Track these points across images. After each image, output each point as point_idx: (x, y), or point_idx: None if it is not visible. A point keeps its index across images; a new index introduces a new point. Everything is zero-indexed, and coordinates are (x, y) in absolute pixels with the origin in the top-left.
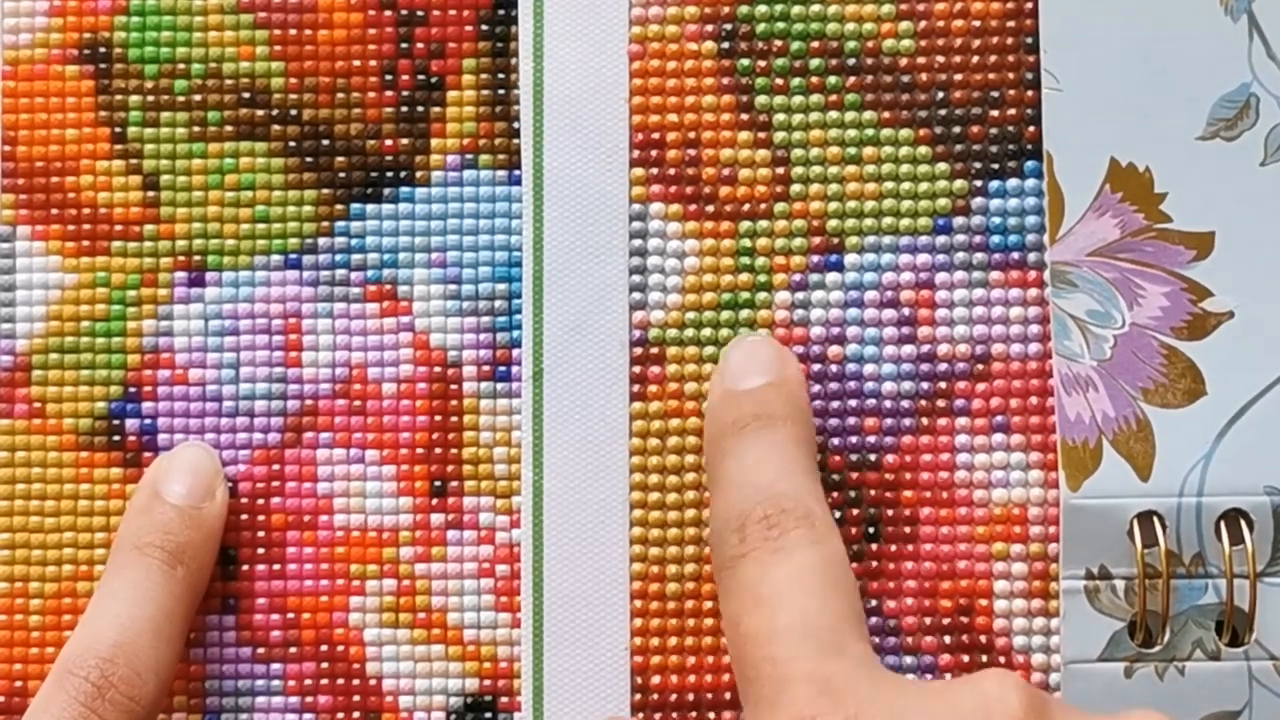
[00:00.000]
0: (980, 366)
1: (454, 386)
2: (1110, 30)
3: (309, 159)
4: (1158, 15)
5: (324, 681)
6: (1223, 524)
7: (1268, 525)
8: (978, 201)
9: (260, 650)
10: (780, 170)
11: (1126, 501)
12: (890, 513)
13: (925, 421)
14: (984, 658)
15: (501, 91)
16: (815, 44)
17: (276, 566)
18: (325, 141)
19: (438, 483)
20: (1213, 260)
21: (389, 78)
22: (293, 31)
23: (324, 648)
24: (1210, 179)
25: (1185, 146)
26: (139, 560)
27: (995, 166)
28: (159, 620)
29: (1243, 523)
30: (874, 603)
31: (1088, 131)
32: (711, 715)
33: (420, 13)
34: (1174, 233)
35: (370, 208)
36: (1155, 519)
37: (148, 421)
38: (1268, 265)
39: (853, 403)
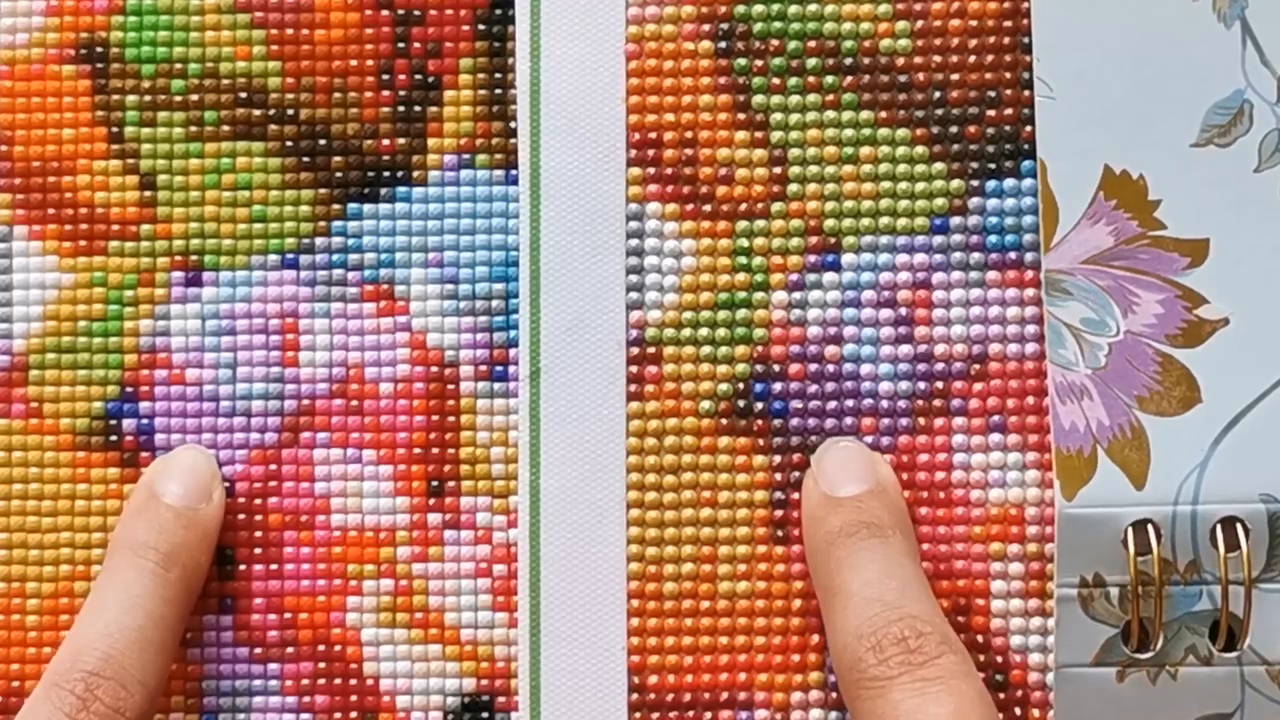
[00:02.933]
0: (977, 366)
1: (451, 386)
2: (1103, 37)
3: (306, 159)
4: (1150, 22)
5: (321, 681)
6: (1219, 529)
7: (1263, 532)
8: (975, 201)
9: (258, 650)
10: (777, 170)
11: (1121, 510)
12: None
13: (922, 421)
14: (981, 657)
15: (499, 91)
16: (812, 43)
17: (274, 566)
18: (322, 141)
19: (435, 482)
20: (1207, 267)
21: (386, 77)
22: (290, 31)
23: (321, 647)
24: (1204, 186)
25: (1179, 153)
26: (132, 562)
27: (992, 166)
28: (148, 629)
29: (1239, 528)
30: None
31: (1081, 139)
32: (709, 715)
33: (417, 12)
34: (1168, 240)
35: (367, 207)
36: (1150, 526)
37: (145, 421)
38: (1262, 272)
39: (850, 403)
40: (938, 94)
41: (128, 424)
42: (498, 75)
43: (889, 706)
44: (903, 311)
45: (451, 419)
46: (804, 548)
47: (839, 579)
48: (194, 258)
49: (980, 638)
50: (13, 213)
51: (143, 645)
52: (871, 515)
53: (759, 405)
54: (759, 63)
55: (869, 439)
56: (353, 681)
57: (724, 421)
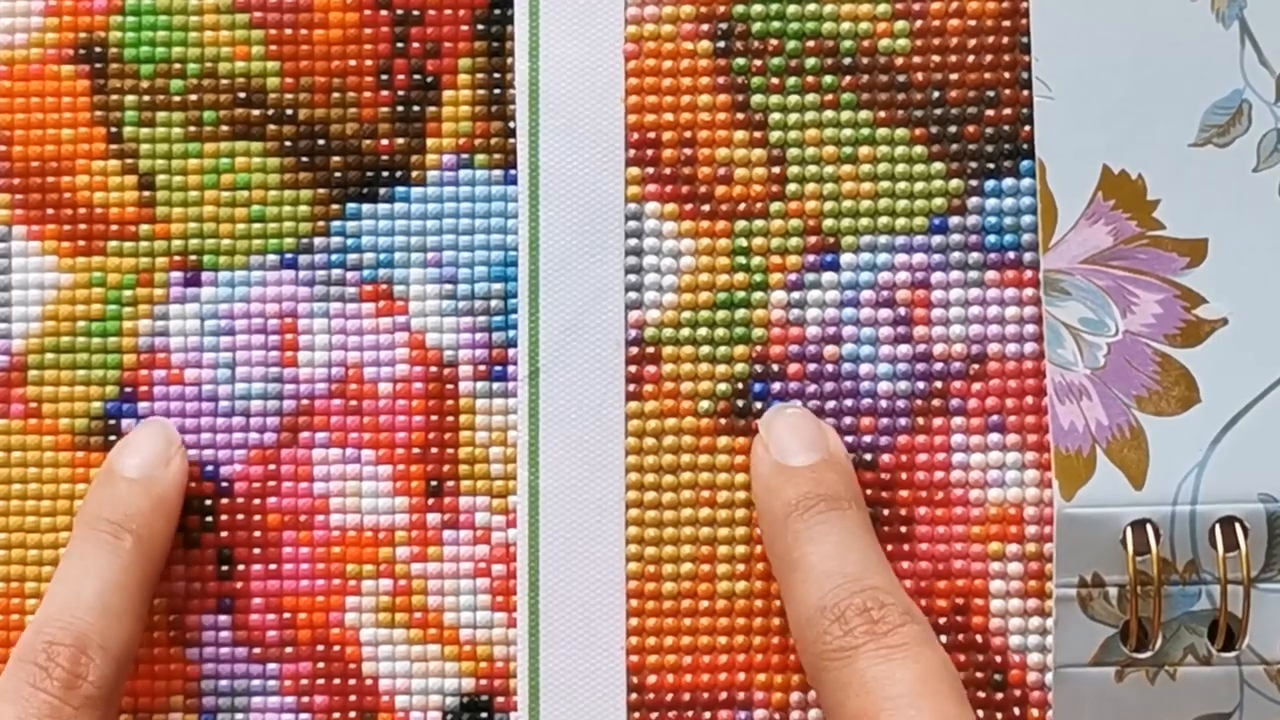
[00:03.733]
0: (976, 366)
1: (450, 386)
2: (1102, 37)
3: (305, 159)
4: (1149, 22)
5: (320, 681)
6: (1217, 529)
7: (1261, 532)
8: (974, 201)
9: (256, 650)
10: (776, 169)
11: (1120, 510)
12: (886, 512)
13: (921, 421)
14: (980, 657)
15: (497, 91)
16: (811, 43)
17: (273, 566)
18: (321, 141)
19: (434, 482)
20: (1206, 267)
21: (385, 77)
22: (288, 31)
23: (320, 647)
24: (1203, 186)
25: (1178, 153)
26: (87, 536)
27: (991, 166)
28: (106, 594)
29: (1238, 528)
30: None
31: (1080, 139)
32: (708, 715)
33: (416, 12)
34: (1167, 240)
35: (366, 207)
36: (1148, 526)
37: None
38: (1261, 271)
39: (849, 402)
40: (936, 94)
41: (127, 424)
42: (496, 75)
43: (855, 675)
44: (902, 311)
45: (450, 419)
46: (758, 516)
47: (797, 552)
48: (193, 258)
49: (979, 638)
50: (12, 212)
51: (101, 611)
52: (828, 488)
53: (758, 405)
54: (758, 62)
55: (867, 438)
56: (352, 681)
57: (723, 421)
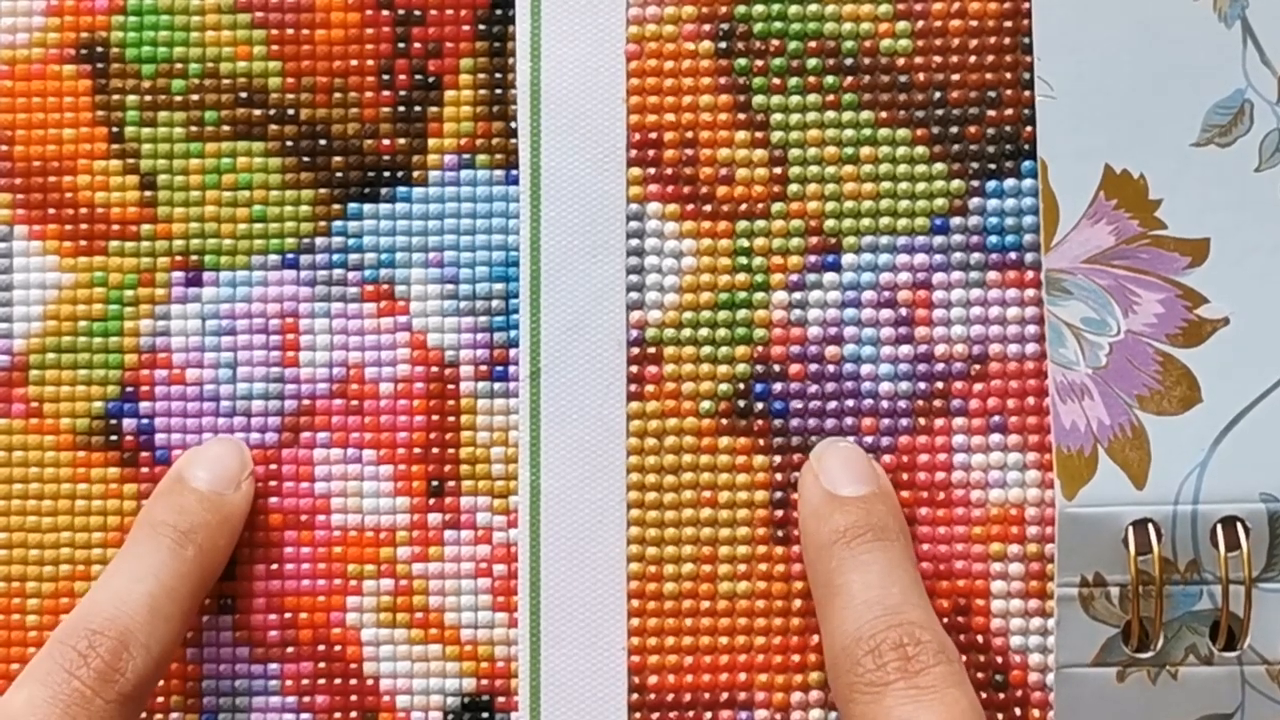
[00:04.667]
0: (977, 367)
1: (451, 386)
2: (1103, 37)
3: (306, 159)
4: (1151, 21)
5: (321, 681)
6: (1219, 529)
7: (1263, 531)
8: (975, 202)
9: (258, 650)
10: (778, 170)
11: (1122, 510)
12: None
13: (923, 422)
14: (981, 658)
15: (499, 91)
16: (813, 44)
17: (274, 566)
18: (323, 141)
19: (435, 482)
20: (1208, 267)
21: (386, 77)
22: (290, 31)
23: (321, 647)
24: (1205, 185)
25: (1180, 153)
26: (150, 537)
27: (992, 166)
28: (159, 597)
29: (1239, 528)
30: None
31: (1082, 138)
32: (709, 715)
33: (418, 12)
34: (1169, 239)
35: (368, 207)
36: (1150, 526)
37: (145, 421)
38: (1263, 271)
39: (850, 403)
40: (938, 94)
41: (128, 424)
42: (498, 75)
43: (882, 712)
44: (903, 312)
45: (451, 419)
46: (801, 543)
47: (840, 579)
48: (194, 258)
49: (980, 638)
50: (13, 212)
51: (151, 611)
52: (877, 518)
53: (759, 405)
54: (759, 63)
55: (869, 439)
56: (353, 681)
57: (724, 421)
